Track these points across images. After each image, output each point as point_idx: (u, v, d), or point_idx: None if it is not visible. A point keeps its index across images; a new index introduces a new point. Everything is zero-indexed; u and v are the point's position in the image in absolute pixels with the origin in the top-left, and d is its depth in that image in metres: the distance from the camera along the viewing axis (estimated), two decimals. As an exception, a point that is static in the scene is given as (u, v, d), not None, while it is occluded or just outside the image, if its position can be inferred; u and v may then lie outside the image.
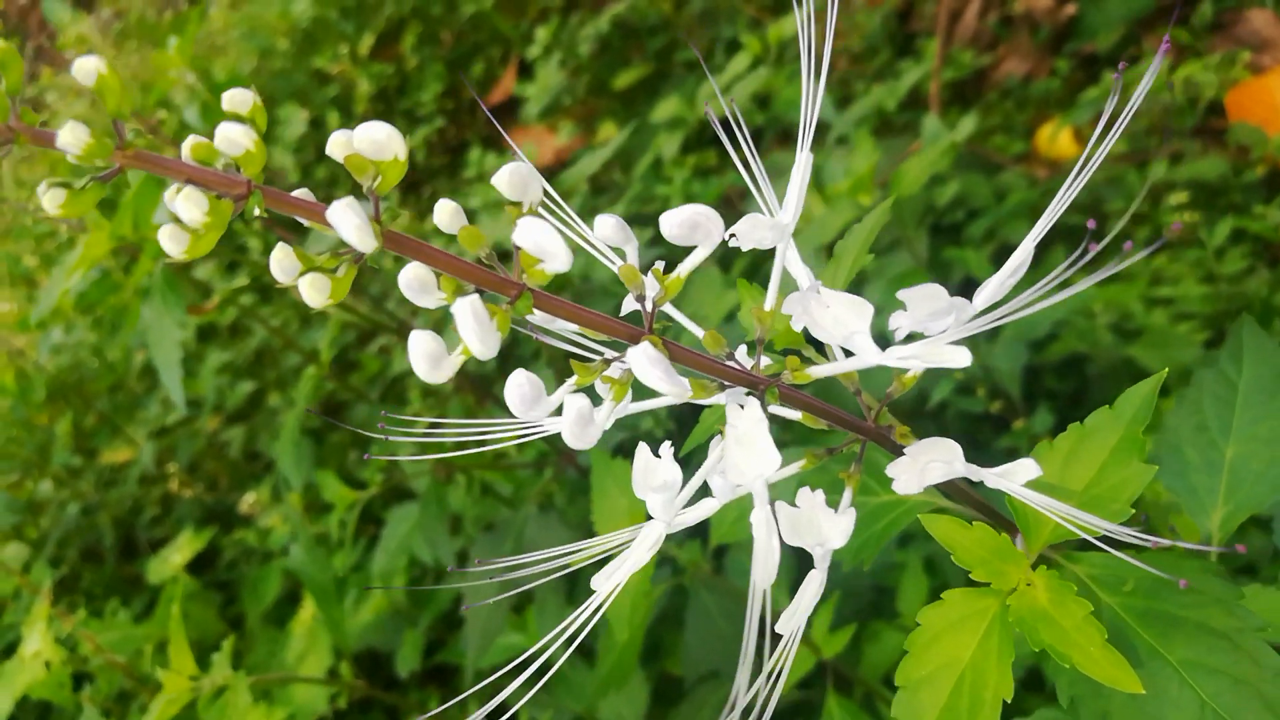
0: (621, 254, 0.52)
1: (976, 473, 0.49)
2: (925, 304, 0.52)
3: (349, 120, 3.48)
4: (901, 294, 0.53)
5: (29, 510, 2.73)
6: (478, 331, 0.40)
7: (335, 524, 1.59)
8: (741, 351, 0.57)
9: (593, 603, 0.49)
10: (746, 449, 0.46)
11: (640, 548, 0.50)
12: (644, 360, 0.43)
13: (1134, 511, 0.51)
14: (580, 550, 0.56)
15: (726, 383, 0.52)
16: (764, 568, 0.46)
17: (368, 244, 0.39)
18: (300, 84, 3.57)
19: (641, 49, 3.37)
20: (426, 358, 0.42)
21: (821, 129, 2.30)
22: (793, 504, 0.53)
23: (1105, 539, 0.50)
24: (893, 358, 0.47)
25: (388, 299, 1.81)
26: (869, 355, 0.46)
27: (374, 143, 0.41)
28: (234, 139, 0.40)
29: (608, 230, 0.49)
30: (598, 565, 0.52)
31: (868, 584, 1.85)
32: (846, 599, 1.74)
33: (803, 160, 0.55)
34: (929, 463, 0.49)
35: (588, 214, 0.52)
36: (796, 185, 0.55)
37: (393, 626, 2.22)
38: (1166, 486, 0.88)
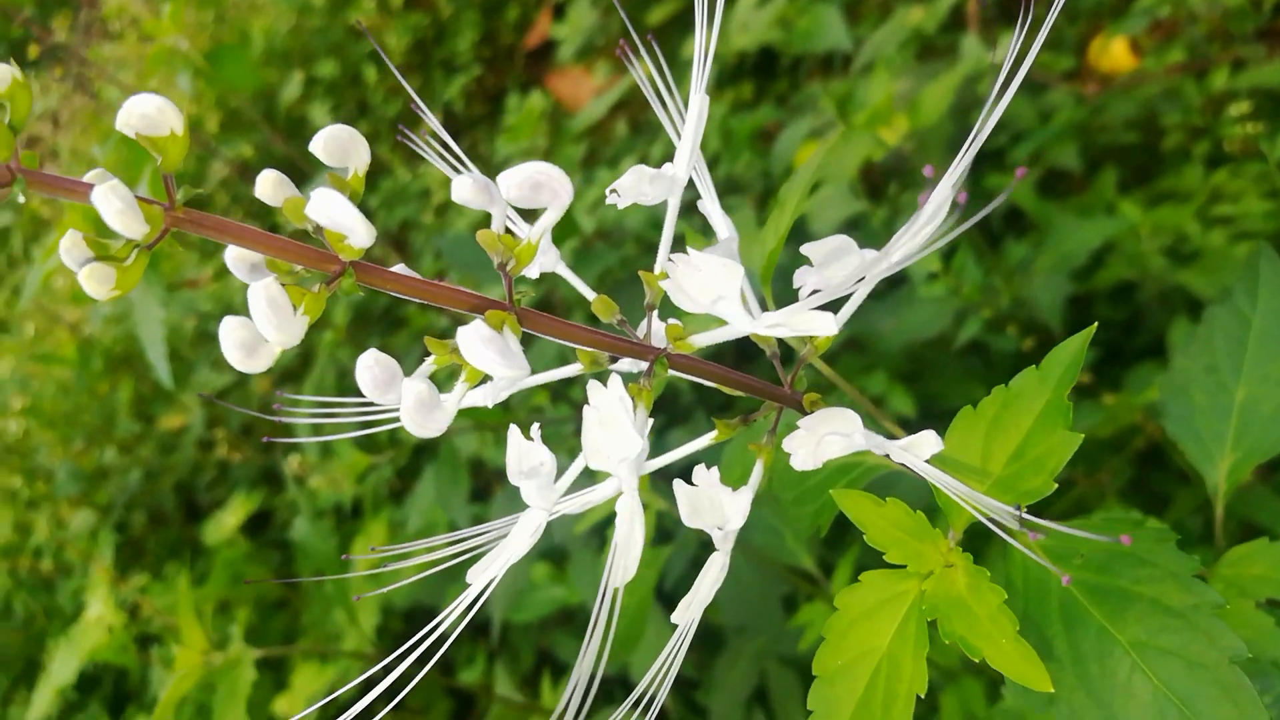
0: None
1: (880, 445, 0.44)
2: (832, 260, 0.47)
3: (386, 74, 3.46)
4: (807, 248, 0.48)
5: (95, 478, 2.81)
6: (272, 318, 0.37)
7: (349, 490, 1.59)
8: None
9: (470, 595, 0.46)
10: (608, 429, 0.42)
11: (518, 538, 0.46)
12: (474, 340, 0.39)
13: (1055, 486, 0.46)
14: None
15: (622, 355, 0.48)
16: (623, 562, 0.42)
17: (134, 229, 0.35)
18: (336, 39, 3.54)
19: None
20: (239, 346, 0.39)
21: (850, 58, 2.20)
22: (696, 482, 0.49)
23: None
24: (762, 325, 0.42)
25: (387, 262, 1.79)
26: (739, 322, 0.41)
27: (145, 118, 0.37)
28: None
29: (465, 192, 0.45)
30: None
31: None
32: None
33: (696, 104, 0.50)
34: (826, 435, 0.44)
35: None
36: (690, 134, 0.50)
37: (438, 582, 2.24)
38: (1171, 433, 0.81)
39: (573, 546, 1.82)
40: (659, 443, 1.36)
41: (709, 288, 0.41)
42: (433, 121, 0.56)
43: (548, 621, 2.15)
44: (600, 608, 0.41)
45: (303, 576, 2.42)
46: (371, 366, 0.43)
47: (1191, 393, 0.80)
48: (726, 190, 2.65)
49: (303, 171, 3.22)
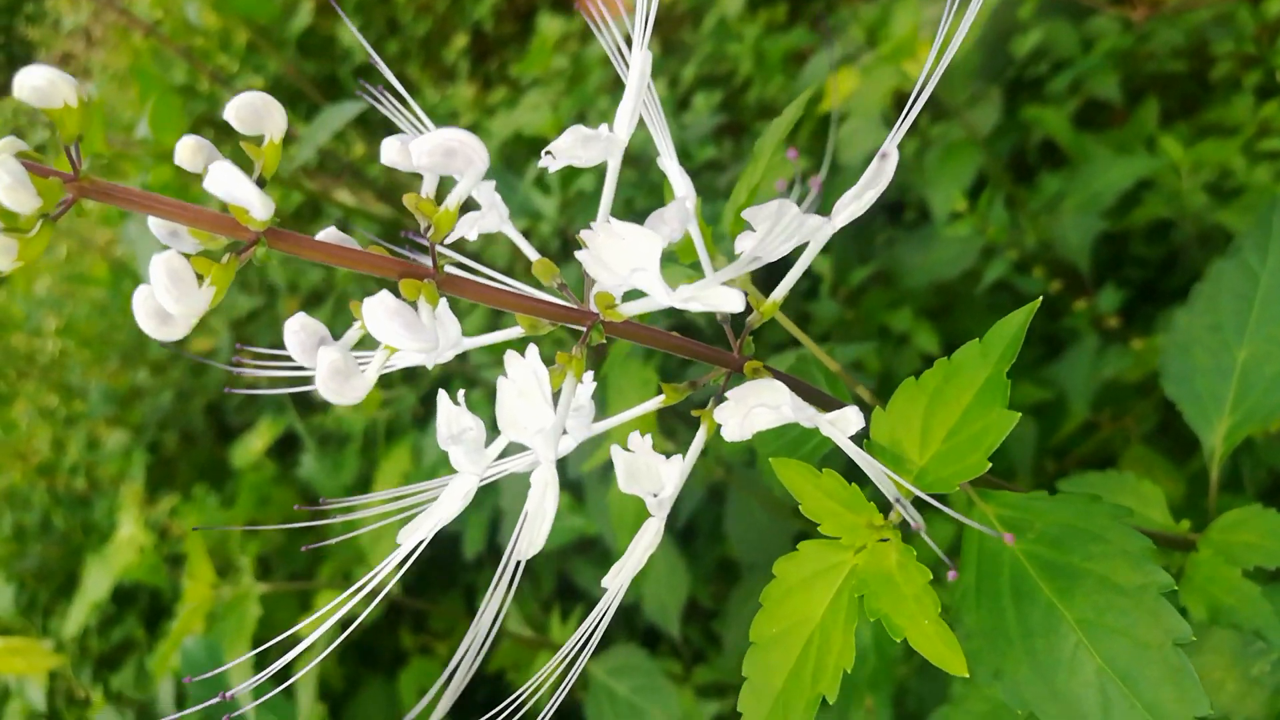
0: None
1: (809, 418, 0.43)
2: (770, 224, 0.45)
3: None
4: (747, 213, 0.46)
5: (129, 398, 2.86)
6: (172, 290, 0.36)
7: (359, 423, 1.60)
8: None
9: (399, 555, 0.46)
10: (525, 400, 0.41)
11: (448, 502, 0.46)
12: (378, 313, 0.38)
13: (989, 465, 0.44)
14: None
15: (556, 321, 0.47)
16: (531, 533, 0.41)
17: (26, 204, 0.35)
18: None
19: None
20: (151, 315, 0.38)
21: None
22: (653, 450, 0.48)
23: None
24: (677, 299, 0.40)
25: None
26: (657, 295, 0.40)
27: (36, 91, 0.36)
28: None
29: (391, 154, 0.43)
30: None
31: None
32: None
33: (638, 61, 0.48)
34: (754, 407, 0.43)
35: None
36: (632, 91, 0.48)
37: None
38: (1170, 395, 0.79)
39: (589, 482, 1.84)
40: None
41: (627, 258, 0.39)
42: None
43: (567, 549, 2.17)
44: (500, 577, 0.41)
45: (325, 504, 2.46)
46: (297, 331, 0.42)
47: (1193, 352, 0.78)
48: (758, 114, 2.59)
49: (331, 94, 3.20)
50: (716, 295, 0.39)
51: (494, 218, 0.48)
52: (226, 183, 0.35)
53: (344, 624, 0.60)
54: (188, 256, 0.37)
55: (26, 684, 2.43)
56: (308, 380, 0.53)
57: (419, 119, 0.52)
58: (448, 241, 0.46)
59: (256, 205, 0.36)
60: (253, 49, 2.84)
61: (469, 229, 0.48)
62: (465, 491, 0.45)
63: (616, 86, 2.59)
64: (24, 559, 2.78)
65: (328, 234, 0.44)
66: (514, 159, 2.28)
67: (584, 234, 0.41)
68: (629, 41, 0.53)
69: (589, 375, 0.49)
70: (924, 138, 1.95)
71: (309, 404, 2.62)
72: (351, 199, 1.70)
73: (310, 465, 1.60)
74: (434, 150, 0.39)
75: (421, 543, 0.46)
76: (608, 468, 1.52)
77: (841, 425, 0.42)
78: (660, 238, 0.39)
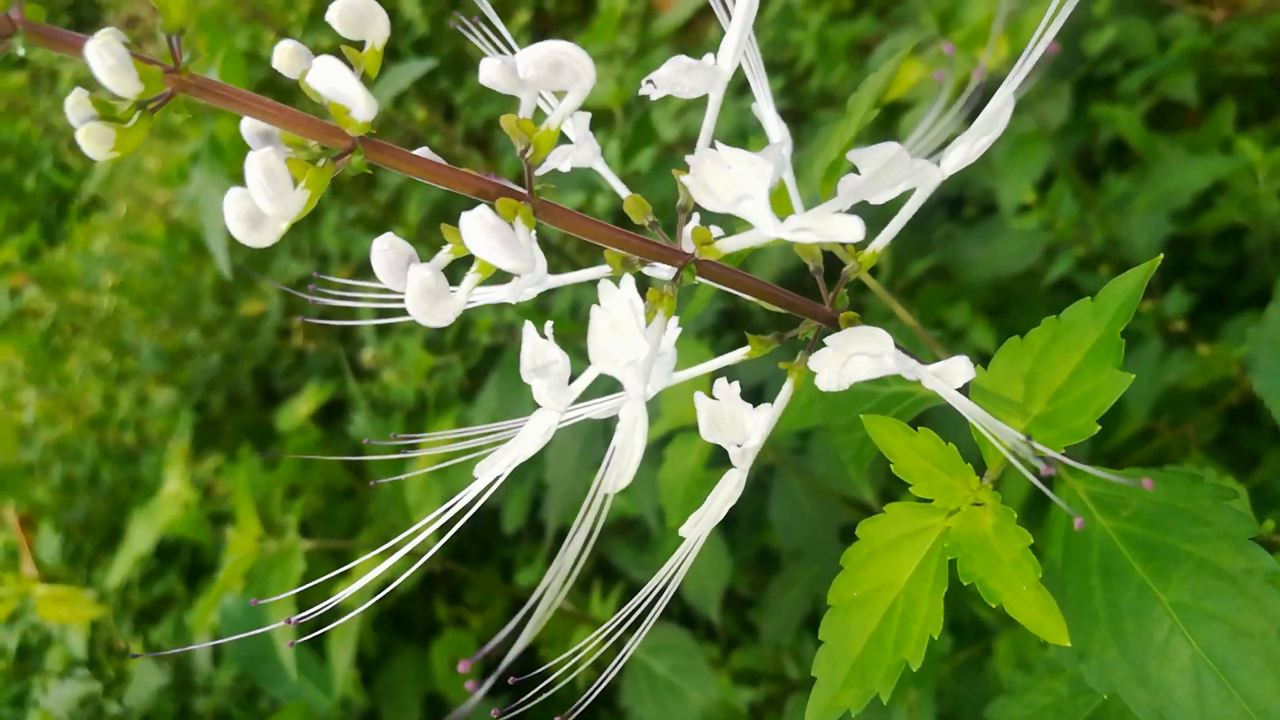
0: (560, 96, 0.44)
1: (911, 369, 0.41)
2: (878, 167, 0.43)
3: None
4: (852, 154, 0.44)
5: (178, 357, 2.89)
6: (268, 189, 0.35)
7: (411, 388, 1.60)
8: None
9: (473, 490, 0.45)
10: (618, 332, 0.39)
11: (529, 437, 0.44)
12: (477, 227, 0.36)
13: (1098, 428, 0.42)
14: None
15: (649, 258, 0.45)
16: (618, 468, 0.40)
17: (127, 87, 0.34)
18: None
19: None
20: (243, 218, 0.37)
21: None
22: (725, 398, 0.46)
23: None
24: (788, 229, 0.38)
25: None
26: (764, 225, 0.38)
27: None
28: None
29: (492, 74, 0.42)
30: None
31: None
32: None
33: (745, -8, 0.46)
34: (853, 355, 0.41)
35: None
36: (739, 21, 0.46)
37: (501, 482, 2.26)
38: (1259, 389, 0.76)
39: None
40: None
41: (734, 185, 0.38)
42: None
43: (607, 528, 2.15)
44: (588, 509, 0.39)
45: (368, 468, 2.47)
46: (385, 251, 0.41)
47: (1285, 345, 0.75)
48: (820, 103, 2.56)
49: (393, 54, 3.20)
50: (832, 224, 0.37)
51: (588, 150, 0.47)
52: (331, 77, 0.34)
53: (382, 587, 0.59)
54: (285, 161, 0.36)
55: (69, 632, 2.46)
56: (385, 312, 0.52)
57: (510, 45, 0.51)
58: (540, 173, 0.45)
59: (360, 103, 0.35)
60: (315, 17, 2.85)
61: (562, 160, 0.47)
62: (546, 428, 0.44)
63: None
64: (72, 510, 2.82)
65: (422, 152, 0.43)
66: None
67: (689, 159, 0.39)
68: None
69: (673, 321, 0.48)
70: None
71: (358, 371, 2.63)
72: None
73: (361, 424, 1.60)
74: (540, 62, 0.38)
75: (483, 493, 0.44)
76: (656, 446, 1.50)
77: (948, 377, 0.40)
78: (769, 165, 0.38)
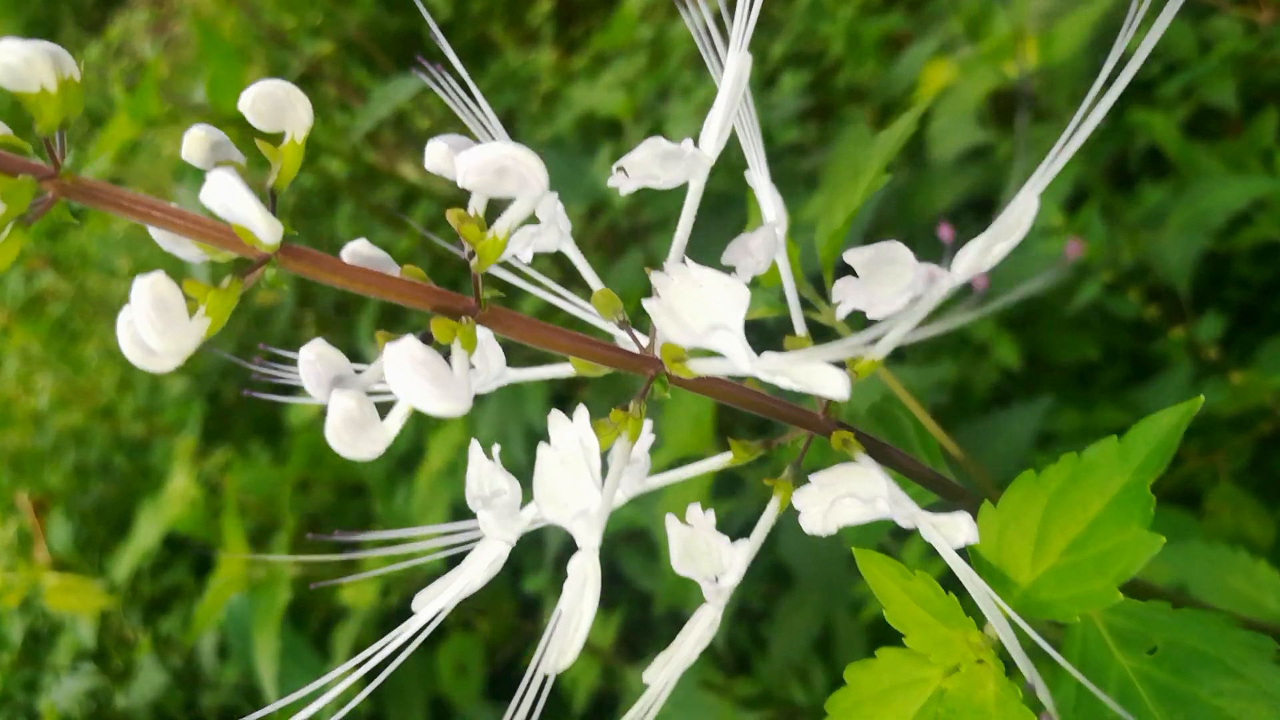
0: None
1: (907, 516, 0.36)
2: (879, 273, 0.38)
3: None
4: (851, 255, 0.39)
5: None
6: (156, 323, 0.30)
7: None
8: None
9: (413, 624, 0.40)
10: (568, 472, 0.34)
11: (473, 569, 0.40)
12: (402, 367, 0.31)
13: (1120, 597, 0.36)
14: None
15: (615, 368, 0.40)
16: (561, 642, 0.34)
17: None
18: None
19: None
20: (135, 344, 0.32)
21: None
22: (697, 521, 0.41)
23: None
24: (761, 369, 0.33)
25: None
26: (739, 363, 0.33)
27: (9, 71, 0.30)
28: None
29: (436, 159, 0.37)
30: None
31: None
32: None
33: (734, 65, 0.41)
34: (841, 498, 0.36)
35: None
36: (725, 100, 0.41)
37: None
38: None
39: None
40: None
41: (705, 312, 0.33)
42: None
43: (616, 537, 2.12)
44: (524, 694, 0.35)
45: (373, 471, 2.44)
46: (312, 362, 0.37)
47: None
48: (847, 98, 2.49)
49: (413, 50, 3.15)
50: (815, 374, 0.32)
51: (553, 235, 0.42)
52: (225, 197, 0.29)
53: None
54: (182, 283, 0.31)
55: (78, 621, 2.46)
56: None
57: (484, 116, 0.46)
58: (507, 255, 0.40)
59: (260, 227, 0.30)
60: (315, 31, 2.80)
61: (522, 247, 0.42)
62: (493, 559, 0.39)
63: (701, 64, 2.50)
64: (84, 496, 2.82)
65: (355, 251, 0.38)
66: (589, 132, 2.21)
67: (654, 278, 0.34)
68: (720, 21, 0.46)
69: (647, 424, 0.43)
70: (993, 150, 1.84)
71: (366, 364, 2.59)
72: (415, 172, 1.65)
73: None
74: (484, 168, 0.33)
75: (424, 629, 0.40)
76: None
77: (948, 532, 0.35)
78: (746, 291, 0.33)
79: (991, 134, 1.86)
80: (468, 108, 0.51)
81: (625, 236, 2.25)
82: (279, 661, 1.15)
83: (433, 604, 0.39)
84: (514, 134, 2.37)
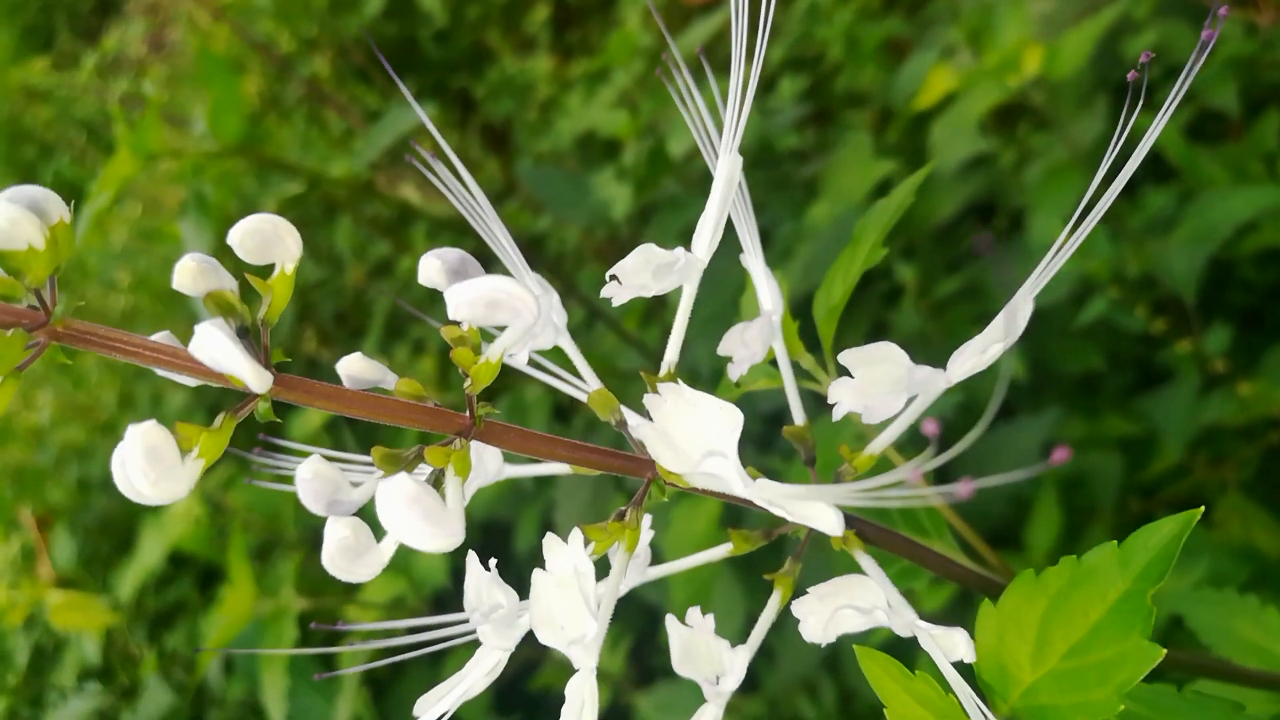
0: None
1: (908, 625, 0.35)
2: (874, 373, 0.37)
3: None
4: (845, 356, 0.39)
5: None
6: (149, 472, 0.30)
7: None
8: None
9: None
10: (564, 597, 0.34)
11: (473, 676, 0.39)
12: (394, 504, 0.31)
13: (1122, 706, 0.36)
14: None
15: (612, 472, 0.40)
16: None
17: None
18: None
19: None
20: (128, 487, 0.32)
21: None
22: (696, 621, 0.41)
23: None
24: (757, 495, 0.33)
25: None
26: (734, 488, 0.32)
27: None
28: None
29: (430, 274, 0.37)
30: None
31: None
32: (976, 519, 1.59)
33: (725, 168, 0.40)
34: (840, 609, 0.36)
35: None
36: (716, 202, 0.40)
37: (514, 499, 2.23)
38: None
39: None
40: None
41: (699, 438, 0.32)
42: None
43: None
44: None
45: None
46: (309, 481, 0.36)
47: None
48: (846, 103, 2.47)
49: (409, 58, 3.14)
50: (808, 511, 0.32)
51: (549, 334, 0.42)
52: (214, 352, 0.29)
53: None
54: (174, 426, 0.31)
55: (83, 638, 2.46)
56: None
57: (480, 209, 0.45)
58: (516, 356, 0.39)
59: (250, 379, 0.29)
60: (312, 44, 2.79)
61: (519, 349, 0.41)
62: (492, 667, 0.39)
63: (700, 74, 2.49)
64: (87, 512, 2.82)
65: (349, 367, 0.37)
66: (587, 144, 2.21)
67: (648, 399, 0.34)
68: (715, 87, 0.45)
69: (646, 520, 0.42)
70: (1022, 148, 1.83)
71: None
72: (417, 195, 1.64)
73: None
74: (475, 301, 0.32)
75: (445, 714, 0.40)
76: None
77: (945, 645, 0.35)
78: (738, 414, 0.32)
79: (994, 143, 1.85)
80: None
81: (626, 246, 2.25)
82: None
83: (435, 709, 0.39)
84: (512, 144, 2.35)
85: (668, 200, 1.55)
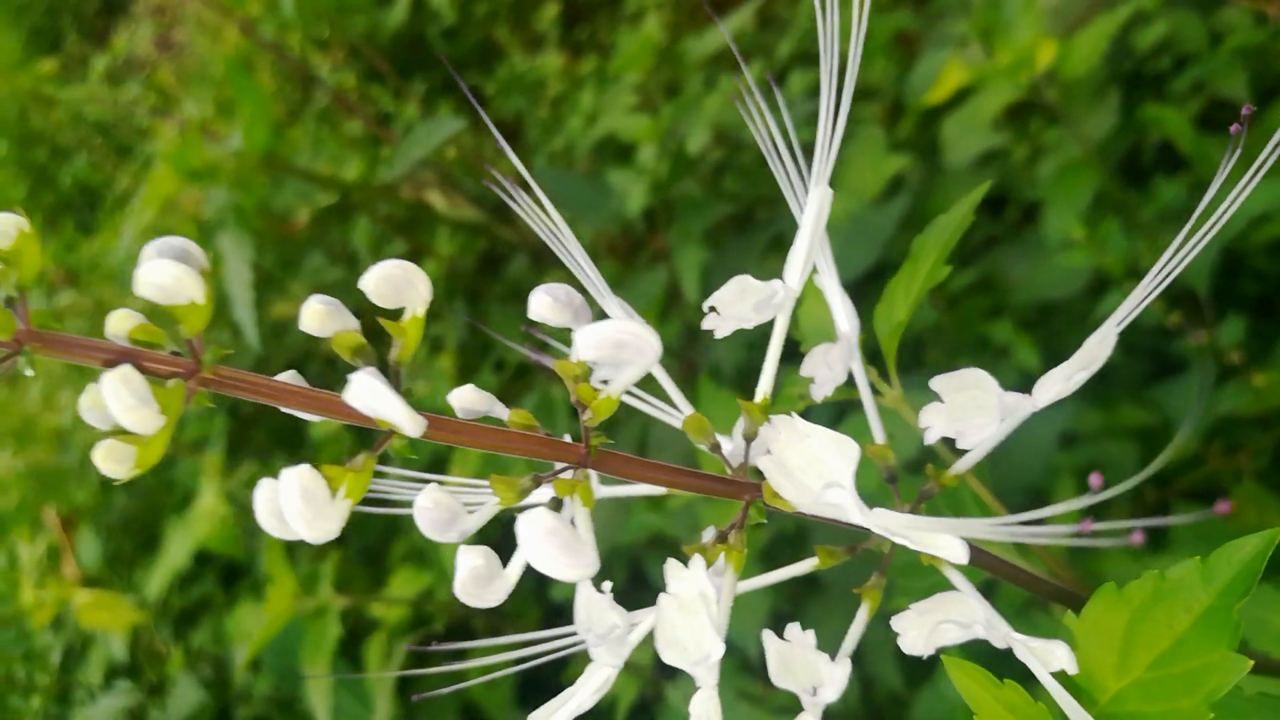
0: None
1: (1004, 637, 0.38)
2: (965, 399, 0.40)
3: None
4: (936, 382, 0.41)
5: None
6: (304, 513, 0.32)
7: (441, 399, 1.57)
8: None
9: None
10: (688, 619, 0.36)
11: (585, 690, 0.42)
12: (536, 536, 0.33)
13: (1211, 715, 0.38)
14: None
15: (713, 495, 0.42)
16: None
17: (147, 422, 0.31)
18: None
19: None
20: (276, 529, 0.34)
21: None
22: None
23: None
24: (875, 524, 0.35)
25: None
26: (853, 518, 0.35)
27: (160, 289, 0.32)
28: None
29: (542, 309, 0.39)
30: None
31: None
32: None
33: (815, 199, 0.42)
34: (940, 623, 0.38)
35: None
36: (806, 235, 0.42)
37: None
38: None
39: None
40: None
41: (819, 470, 0.35)
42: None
43: (643, 544, 2.15)
44: None
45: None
46: (429, 509, 0.38)
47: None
48: (856, 97, 2.48)
49: (417, 55, 3.14)
50: (931, 542, 0.34)
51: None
52: (370, 399, 0.31)
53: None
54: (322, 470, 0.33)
55: (110, 636, 2.49)
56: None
57: (560, 234, 0.47)
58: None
59: (405, 424, 0.32)
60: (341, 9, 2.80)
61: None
62: (603, 681, 0.41)
63: (714, 70, 2.50)
64: (110, 512, 2.84)
65: (462, 399, 0.39)
66: (601, 146, 2.22)
67: (764, 430, 0.36)
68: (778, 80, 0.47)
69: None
70: (1034, 143, 1.84)
71: (385, 373, 2.60)
72: (443, 202, 1.66)
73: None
74: (603, 343, 0.34)
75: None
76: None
77: (1044, 657, 0.37)
78: (855, 446, 0.34)
79: (1006, 138, 1.87)
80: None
81: (639, 242, 2.26)
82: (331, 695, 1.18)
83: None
84: (524, 141, 2.37)
85: (688, 202, 1.57)
